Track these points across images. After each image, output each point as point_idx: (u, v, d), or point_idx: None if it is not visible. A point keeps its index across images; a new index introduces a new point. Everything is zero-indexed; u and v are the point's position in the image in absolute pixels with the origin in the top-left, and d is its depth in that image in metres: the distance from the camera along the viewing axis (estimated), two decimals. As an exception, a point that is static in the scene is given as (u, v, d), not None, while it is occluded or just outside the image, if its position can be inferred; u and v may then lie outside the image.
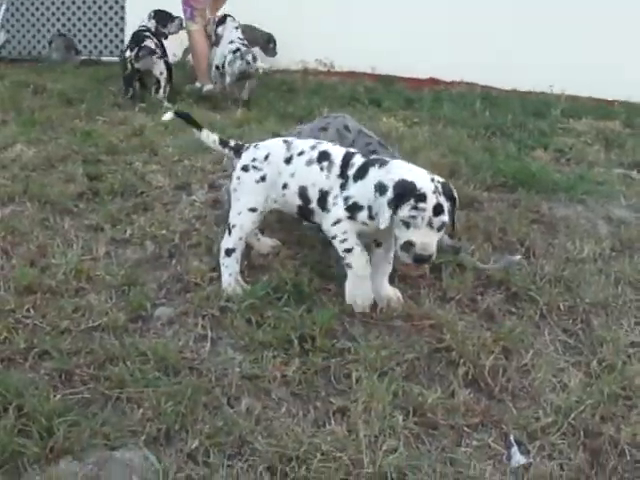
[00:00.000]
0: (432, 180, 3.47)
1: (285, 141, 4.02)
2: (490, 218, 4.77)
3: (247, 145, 4.12)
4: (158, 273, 4.19)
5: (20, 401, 3.14)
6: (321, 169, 3.81)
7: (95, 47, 11.61)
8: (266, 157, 3.94)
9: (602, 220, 4.98)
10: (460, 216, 4.73)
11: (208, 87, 8.45)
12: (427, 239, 3.43)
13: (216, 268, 4.11)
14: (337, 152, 3.85)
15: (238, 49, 8.00)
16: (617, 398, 3.38)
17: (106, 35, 11.61)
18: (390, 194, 3.44)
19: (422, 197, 3.39)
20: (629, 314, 4.04)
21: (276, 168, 3.90)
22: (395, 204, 3.42)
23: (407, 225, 3.43)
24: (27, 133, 6.05)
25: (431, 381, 3.45)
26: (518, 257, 4.36)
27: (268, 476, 2.83)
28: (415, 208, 3.38)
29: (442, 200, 3.42)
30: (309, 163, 3.85)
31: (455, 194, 3.55)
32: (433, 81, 9.83)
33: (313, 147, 3.90)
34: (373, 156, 3.85)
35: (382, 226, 3.45)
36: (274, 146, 4.01)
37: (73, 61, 10.68)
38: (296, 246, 4.44)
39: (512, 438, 3.17)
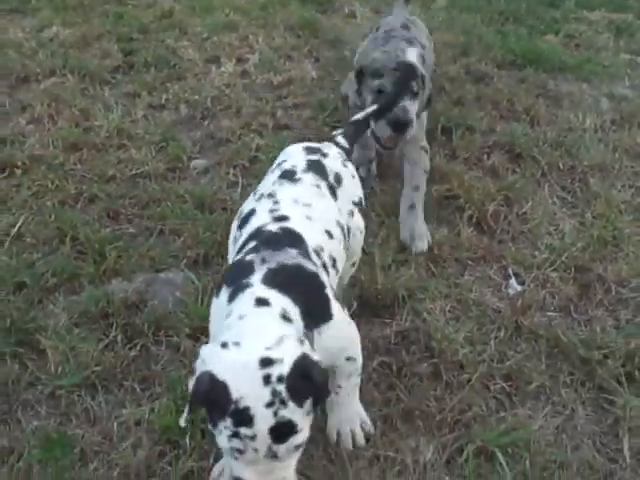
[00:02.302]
0: (267, 381, 1.90)
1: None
2: (499, 90, 5.06)
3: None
4: (192, 132, 4.59)
5: (74, 232, 3.60)
6: (237, 226, 2.70)
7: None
8: None
9: (605, 97, 5.23)
10: (471, 89, 5.06)
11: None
12: (273, 477, 1.99)
13: (245, 126, 4.52)
14: (264, 211, 2.59)
15: None
16: (606, 243, 3.76)
17: None
18: (194, 392, 1.99)
19: (244, 418, 1.89)
20: (624, 177, 4.36)
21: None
22: (210, 418, 2.00)
23: (234, 457, 1.97)
24: (61, 16, 6.28)
25: (439, 223, 3.85)
26: None
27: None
28: (236, 435, 1.90)
29: (287, 412, 1.91)
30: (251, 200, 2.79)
31: (316, 377, 1.99)
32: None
33: (277, 182, 2.76)
34: (257, 253, 2.33)
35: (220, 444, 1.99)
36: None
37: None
38: (317, 108, 4.81)
39: (510, 270, 3.58)
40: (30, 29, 6.00)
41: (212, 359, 1.96)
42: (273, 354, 1.93)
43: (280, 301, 2.12)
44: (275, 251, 2.31)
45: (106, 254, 3.49)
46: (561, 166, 4.35)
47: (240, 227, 2.61)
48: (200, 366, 1.98)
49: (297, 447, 1.97)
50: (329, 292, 2.34)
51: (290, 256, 2.31)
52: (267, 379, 1.89)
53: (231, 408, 1.88)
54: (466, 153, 4.37)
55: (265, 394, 1.88)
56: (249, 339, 1.98)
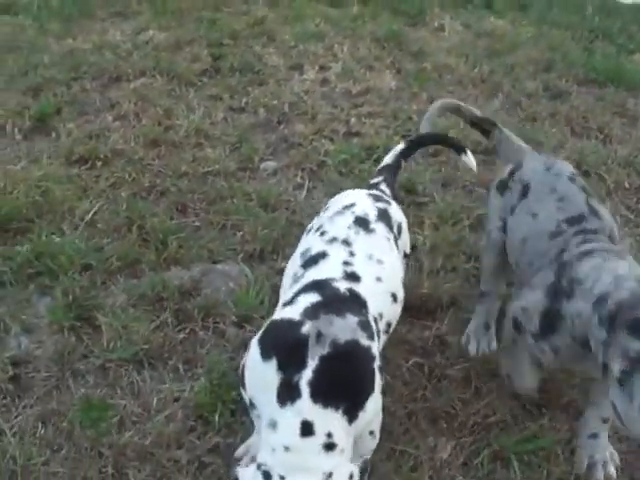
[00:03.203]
0: None
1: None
2: (574, 107, 5.10)
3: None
4: (267, 135, 4.78)
5: (142, 222, 3.82)
6: (301, 265, 2.54)
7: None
8: None
9: (686, 118, 5.18)
10: (547, 106, 5.10)
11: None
12: None
13: (317, 132, 4.72)
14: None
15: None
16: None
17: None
18: None
19: None
20: (691, 200, 4.32)
21: None
22: None
23: None
24: (158, 21, 6.56)
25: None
26: None
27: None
28: None
29: None
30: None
31: None
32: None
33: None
34: None
35: None
36: None
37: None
38: (390, 118, 4.95)
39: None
40: (130, 32, 6.30)
41: None
42: None
43: (325, 424, 2.03)
44: (335, 317, 2.19)
45: (168, 243, 3.68)
46: (627, 185, 4.35)
47: (305, 266, 2.48)
48: None
49: None
50: (376, 364, 2.23)
51: (348, 328, 2.19)
52: None
53: None
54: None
55: None
56: (294, 477, 1.98)
